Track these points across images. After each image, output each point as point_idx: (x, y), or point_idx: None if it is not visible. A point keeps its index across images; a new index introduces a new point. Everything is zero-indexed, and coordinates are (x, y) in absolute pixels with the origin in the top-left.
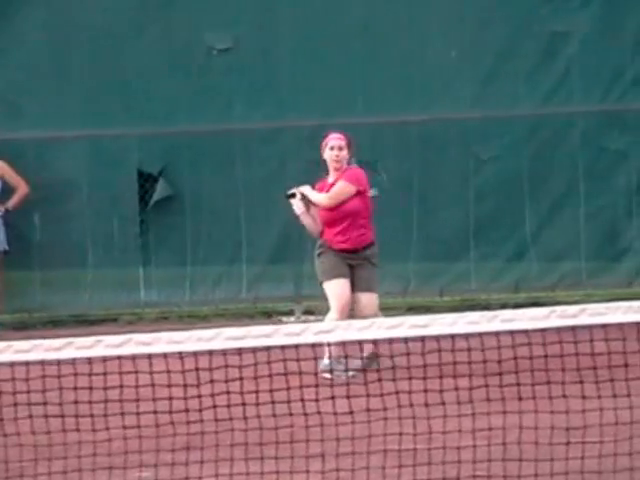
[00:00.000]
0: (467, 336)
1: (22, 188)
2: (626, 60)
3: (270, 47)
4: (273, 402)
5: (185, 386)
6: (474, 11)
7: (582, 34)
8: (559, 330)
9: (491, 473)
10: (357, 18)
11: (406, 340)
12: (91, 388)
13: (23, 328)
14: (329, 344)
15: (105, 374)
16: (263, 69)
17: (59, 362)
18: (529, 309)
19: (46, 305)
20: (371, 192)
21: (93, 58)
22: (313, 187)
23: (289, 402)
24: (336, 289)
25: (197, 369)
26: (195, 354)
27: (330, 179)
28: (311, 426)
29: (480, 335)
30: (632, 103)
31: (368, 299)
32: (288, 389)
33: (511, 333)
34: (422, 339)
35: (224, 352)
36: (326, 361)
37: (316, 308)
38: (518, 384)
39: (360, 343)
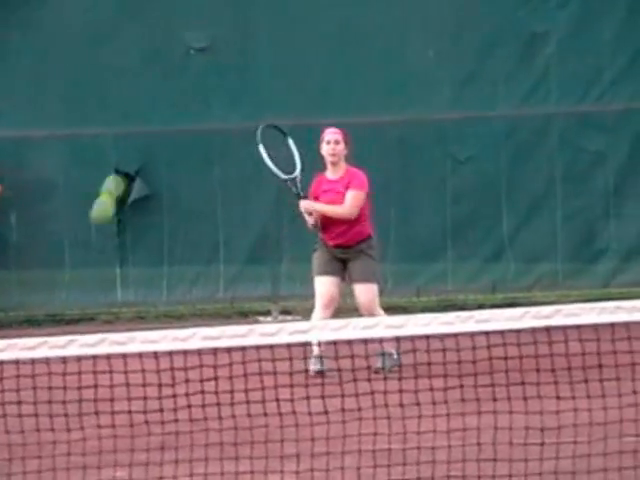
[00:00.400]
0: (442, 337)
1: None
2: (604, 61)
3: (248, 47)
4: (248, 402)
5: (160, 386)
6: (452, 11)
7: (560, 35)
8: (534, 331)
9: (466, 473)
10: (335, 18)
11: (381, 341)
12: (65, 387)
13: None
14: (319, 343)
15: (80, 373)
16: (241, 69)
17: (33, 361)
18: (503, 310)
19: (23, 304)
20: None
21: (70, 57)
22: (311, 182)
23: (264, 402)
24: (320, 287)
25: (172, 369)
26: (170, 354)
27: (329, 175)
28: (286, 426)
29: (455, 336)
30: (610, 104)
31: (361, 289)
32: (263, 389)
33: (486, 334)
34: (397, 339)
35: (199, 352)
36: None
37: (293, 308)
38: (493, 385)
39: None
